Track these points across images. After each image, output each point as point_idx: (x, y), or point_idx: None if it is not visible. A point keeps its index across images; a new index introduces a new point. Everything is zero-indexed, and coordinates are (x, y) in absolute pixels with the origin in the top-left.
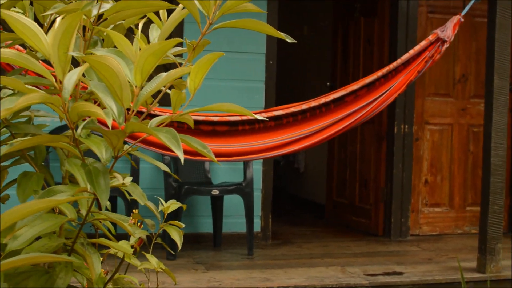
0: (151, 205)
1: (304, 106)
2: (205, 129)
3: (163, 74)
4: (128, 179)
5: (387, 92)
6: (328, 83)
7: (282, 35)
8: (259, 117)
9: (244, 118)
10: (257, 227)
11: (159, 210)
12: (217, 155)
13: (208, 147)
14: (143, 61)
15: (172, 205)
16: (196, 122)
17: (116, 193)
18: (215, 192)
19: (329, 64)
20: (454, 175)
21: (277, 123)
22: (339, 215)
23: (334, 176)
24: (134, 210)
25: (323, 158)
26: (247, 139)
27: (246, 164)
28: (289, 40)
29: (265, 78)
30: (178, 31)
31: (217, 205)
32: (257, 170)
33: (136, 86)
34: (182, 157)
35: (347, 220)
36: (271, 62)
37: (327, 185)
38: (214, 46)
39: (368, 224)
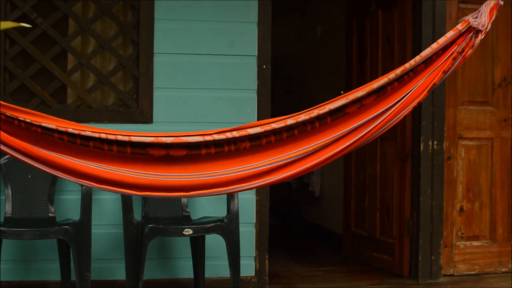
0: None
1: (290, 120)
2: (156, 153)
3: None
4: None
5: (403, 100)
6: (342, 92)
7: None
8: (228, 135)
9: (208, 138)
10: (250, 271)
11: None
12: (172, 189)
13: None
14: None
15: None
16: (142, 144)
17: None
18: (188, 231)
19: (342, 68)
20: (496, 201)
21: (254, 144)
22: (358, 250)
23: (352, 202)
24: None
25: (342, 180)
26: (213, 167)
27: (230, 194)
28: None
29: (258, 86)
30: None
31: (197, 244)
32: (249, 201)
33: None
34: None
35: (367, 256)
36: (264, 66)
37: (344, 214)
38: (193, 46)
39: (391, 262)
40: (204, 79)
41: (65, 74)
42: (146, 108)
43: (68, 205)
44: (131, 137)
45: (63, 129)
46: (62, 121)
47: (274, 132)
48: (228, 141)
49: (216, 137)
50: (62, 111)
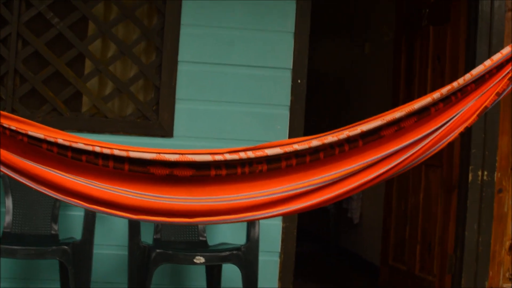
0: None
1: (315, 142)
2: (158, 172)
3: None
4: None
5: (448, 124)
6: None
7: None
8: (242, 155)
9: (219, 158)
10: None
11: None
12: (173, 213)
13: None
14: None
15: None
16: (142, 161)
17: None
18: (199, 259)
19: (390, 87)
20: None
21: (272, 167)
22: (395, 285)
23: (391, 233)
24: None
25: (382, 208)
26: (223, 191)
27: None
28: None
29: (291, 102)
30: None
31: (213, 274)
32: (274, 227)
33: None
34: None
35: None
36: (299, 81)
37: (382, 245)
38: (221, 56)
39: None
40: (232, 91)
41: (81, 80)
42: (167, 121)
43: (74, 222)
44: (130, 152)
45: (53, 140)
46: (52, 130)
47: (296, 154)
48: (242, 162)
49: (228, 157)
50: (75, 120)
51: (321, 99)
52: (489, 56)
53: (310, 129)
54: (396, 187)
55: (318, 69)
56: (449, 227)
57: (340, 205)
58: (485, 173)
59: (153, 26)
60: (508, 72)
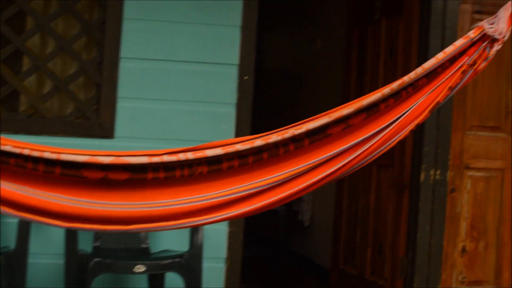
0: None
1: (258, 141)
2: (91, 176)
3: None
4: None
5: (399, 120)
6: None
7: None
8: (181, 156)
9: (156, 160)
10: None
11: None
12: (108, 220)
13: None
14: None
15: None
16: (74, 164)
17: None
18: (139, 269)
19: (341, 82)
20: (504, 242)
21: (212, 169)
22: None
23: (342, 236)
24: None
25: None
26: (162, 195)
27: None
28: None
29: (237, 99)
30: None
31: (155, 283)
32: (219, 232)
33: None
34: None
35: None
36: (246, 77)
37: (333, 248)
38: (165, 51)
39: None
40: (176, 89)
41: (18, 78)
42: (108, 121)
43: (7, 230)
44: (61, 154)
45: None
46: None
47: (238, 155)
48: (181, 164)
49: (166, 158)
50: (12, 121)
51: (272, 97)
52: (442, 49)
53: (261, 129)
54: (346, 188)
55: (268, 65)
56: (401, 229)
57: (290, 207)
58: (438, 172)
59: (94, 21)
60: (462, 65)
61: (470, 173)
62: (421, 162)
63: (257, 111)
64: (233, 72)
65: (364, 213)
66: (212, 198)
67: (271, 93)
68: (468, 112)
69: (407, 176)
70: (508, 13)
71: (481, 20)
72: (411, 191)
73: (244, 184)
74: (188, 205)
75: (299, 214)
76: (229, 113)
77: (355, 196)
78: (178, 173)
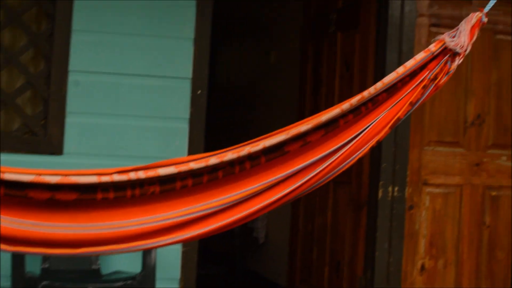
0: None
1: (213, 159)
2: (37, 197)
3: None
4: None
5: (359, 137)
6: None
7: None
8: (132, 176)
9: (106, 179)
10: None
11: None
12: (55, 243)
13: None
14: None
15: None
16: (19, 184)
17: None
18: None
19: (296, 96)
20: (463, 259)
21: (165, 189)
22: None
23: (298, 254)
24: None
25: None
26: (111, 216)
27: None
28: None
29: (190, 114)
30: None
31: None
32: (173, 253)
33: None
34: None
35: None
36: (199, 91)
37: (289, 266)
38: (115, 65)
39: None
40: (127, 104)
41: None
42: (56, 137)
43: None
44: (5, 174)
45: None
46: None
47: (192, 173)
48: (132, 184)
49: (116, 178)
50: None
51: (226, 110)
52: (399, 63)
53: (215, 143)
54: (303, 205)
55: (222, 79)
56: (359, 247)
57: (245, 224)
58: (396, 188)
59: (42, 32)
60: (423, 80)
61: (429, 189)
62: (379, 178)
63: (211, 126)
64: (186, 86)
65: (321, 231)
66: (165, 220)
67: (225, 107)
68: (426, 127)
69: (364, 193)
70: (469, 26)
71: (439, 33)
72: (369, 208)
73: (198, 205)
74: (140, 226)
75: (254, 231)
76: (182, 128)
77: (312, 213)
78: (129, 193)
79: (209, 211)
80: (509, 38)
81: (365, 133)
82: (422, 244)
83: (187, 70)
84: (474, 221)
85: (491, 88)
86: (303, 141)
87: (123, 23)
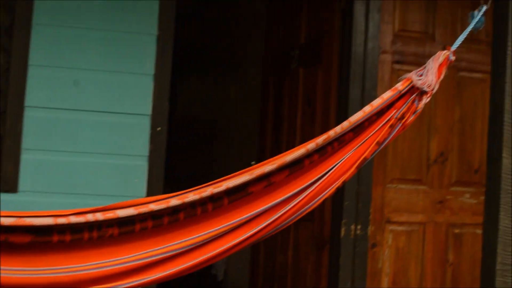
0: None
1: (174, 201)
2: None
3: None
4: None
5: (324, 177)
6: (252, 162)
7: None
8: (89, 217)
9: (62, 221)
10: None
11: None
12: None
13: None
14: None
15: None
16: None
17: None
18: None
19: (257, 136)
20: None
21: (124, 231)
22: None
23: None
24: None
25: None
26: (67, 260)
27: None
28: None
29: (150, 152)
30: None
31: None
32: None
33: None
34: None
35: None
36: (159, 128)
37: None
38: (73, 100)
39: None
40: (85, 141)
41: None
42: (11, 174)
43: None
44: None
45: None
46: None
47: (152, 215)
48: (90, 226)
49: (73, 219)
50: None
51: (188, 147)
52: (362, 100)
53: (176, 181)
54: (263, 242)
55: (183, 114)
56: (321, 286)
57: None
58: (359, 227)
59: None
60: (390, 119)
61: (392, 227)
62: (341, 217)
63: (171, 162)
64: (145, 123)
65: (282, 269)
66: (124, 263)
67: (186, 143)
68: (389, 165)
69: (327, 231)
70: (437, 64)
71: (402, 70)
72: (332, 246)
73: (158, 247)
74: (97, 270)
75: (212, 268)
76: (141, 166)
77: (273, 251)
78: (86, 235)
79: (170, 253)
80: (472, 75)
81: (330, 174)
82: (385, 282)
83: (147, 106)
84: (438, 259)
85: (455, 126)
86: (267, 182)
87: (81, 58)
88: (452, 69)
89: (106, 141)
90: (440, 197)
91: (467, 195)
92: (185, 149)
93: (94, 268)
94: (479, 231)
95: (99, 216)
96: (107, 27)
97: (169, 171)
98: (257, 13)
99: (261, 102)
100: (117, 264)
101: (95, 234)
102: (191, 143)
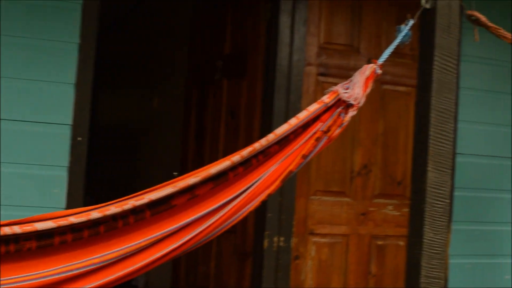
0: None
1: (95, 213)
2: None
3: None
4: None
5: (249, 190)
6: (174, 173)
7: None
8: (7, 230)
9: None
10: None
11: None
12: None
13: None
14: None
15: None
16: None
17: None
18: None
19: (180, 146)
20: None
21: (42, 244)
22: None
23: None
24: None
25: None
26: None
27: None
28: None
29: (70, 162)
30: None
31: None
32: None
33: None
34: None
35: None
36: (79, 138)
37: None
38: None
39: None
40: (4, 150)
41: None
42: None
43: None
44: None
45: None
46: None
47: (72, 228)
48: (6, 239)
49: None
50: None
51: (110, 158)
52: (287, 112)
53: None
54: (184, 254)
55: (106, 126)
56: None
57: None
58: (282, 238)
59: None
60: (315, 132)
61: (315, 239)
62: (264, 228)
63: (92, 173)
64: (66, 133)
65: (204, 280)
66: (42, 277)
67: (108, 153)
68: (313, 177)
69: (249, 243)
70: (363, 78)
71: (327, 82)
72: (254, 258)
73: (78, 261)
74: (14, 285)
75: (133, 279)
76: (61, 176)
77: (194, 261)
78: (3, 249)
79: (90, 267)
80: (396, 88)
81: (255, 187)
82: None
83: (67, 116)
84: (361, 271)
85: (378, 138)
86: (191, 195)
87: (2, 65)
88: (377, 82)
89: (26, 151)
90: (363, 209)
91: (390, 207)
92: (108, 158)
93: (10, 283)
94: (402, 243)
95: (17, 229)
96: (28, 34)
97: (91, 181)
98: (182, 23)
99: (184, 112)
100: (34, 279)
101: (12, 247)
102: (114, 153)
